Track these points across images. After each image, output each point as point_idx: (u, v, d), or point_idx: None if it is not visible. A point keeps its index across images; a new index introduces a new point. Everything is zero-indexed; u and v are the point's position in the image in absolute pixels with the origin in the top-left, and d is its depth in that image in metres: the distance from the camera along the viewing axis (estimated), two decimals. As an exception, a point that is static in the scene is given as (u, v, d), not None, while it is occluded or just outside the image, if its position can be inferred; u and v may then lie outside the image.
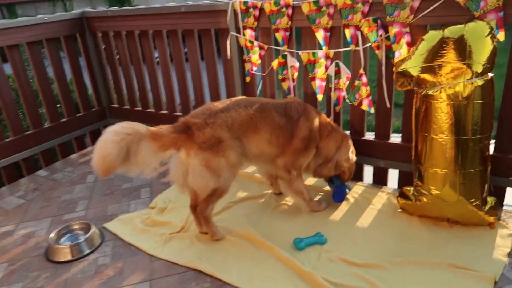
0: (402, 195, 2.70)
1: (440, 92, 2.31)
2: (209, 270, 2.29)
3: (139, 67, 4.15)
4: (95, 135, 4.47)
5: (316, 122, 2.71)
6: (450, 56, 2.27)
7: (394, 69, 2.62)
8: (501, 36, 2.33)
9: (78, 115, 4.33)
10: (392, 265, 2.23)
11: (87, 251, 2.56)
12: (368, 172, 3.30)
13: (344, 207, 2.84)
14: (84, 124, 4.37)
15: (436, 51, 2.31)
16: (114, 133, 2.16)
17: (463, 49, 2.24)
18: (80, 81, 4.34)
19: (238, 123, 2.45)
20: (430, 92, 2.36)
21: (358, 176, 3.26)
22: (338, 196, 2.85)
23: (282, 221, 2.74)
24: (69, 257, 2.51)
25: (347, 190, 2.92)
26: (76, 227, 2.79)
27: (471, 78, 2.25)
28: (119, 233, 2.74)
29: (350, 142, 2.87)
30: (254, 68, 3.39)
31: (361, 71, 2.88)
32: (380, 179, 3.17)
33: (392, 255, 2.31)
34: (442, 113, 2.33)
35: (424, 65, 2.36)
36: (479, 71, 2.24)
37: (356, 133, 3.16)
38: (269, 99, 2.79)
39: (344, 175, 2.83)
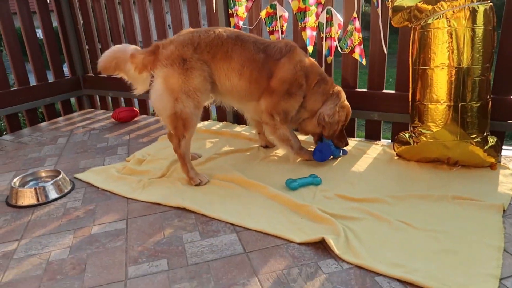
0: (398, 141, 2.55)
1: (440, 18, 2.20)
2: (193, 208, 2.05)
3: (118, 32, 3.91)
4: (68, 106, 4.22)
5: (302, 67, 2.43)
6: (450, -19, 2.16)
7: (389, 4, 2.50)
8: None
9: (50, 81, 4.03)
10: (393, 199, 2.05)
11: (55, 196, 2.27)
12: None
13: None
14: (56, 92, 4.07)
15: (435, -22, 2.20)
16: (109, 52, 2.41)
17: (463, -27, 2.15)
18: (52, 45, 4.06)
19: (205, 44, 2.30)
20: (429, 21, 2.24)
21: (349, 132, 3.11)
22: (319, 154, 2.51)
23: (271, 167, 2.54)
24: (33, 201, 2.22)
25: (335, 151, 2.59)
26: (43, 174, 2.50)
27: (473, 2, 2.14)
28: (92, 181, 2.46)
29: (342, 97, 2.56)
30: (241, 22, 3.22)
31: (354, 14, 2.75)
32: (373, 134, 3.02)
33: (392, 192, 2.13)
34: (443, 42, 2.21)
35: (422, -7, 2.24)
36: (481, -5, 2.14)
37: (348, 86, 3.01)
38: (257, 36, 2.58)
39: (323, 131, 2.55)
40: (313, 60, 2.56)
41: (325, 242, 1.71)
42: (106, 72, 2.43)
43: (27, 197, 2.22)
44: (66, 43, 4.17)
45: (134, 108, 3.91)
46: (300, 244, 1.74)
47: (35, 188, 2.24)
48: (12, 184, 2.31)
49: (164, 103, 2.27)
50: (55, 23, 4.07)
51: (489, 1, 2.19)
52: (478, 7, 2.15)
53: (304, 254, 1.67)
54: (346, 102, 2.57)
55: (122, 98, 4.19)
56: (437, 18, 2.21)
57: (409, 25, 2.40)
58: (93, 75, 4.29)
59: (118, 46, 2.47)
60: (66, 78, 4.20)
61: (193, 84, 2.25)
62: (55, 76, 4.10)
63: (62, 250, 1.79)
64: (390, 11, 2.48)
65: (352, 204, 2.03)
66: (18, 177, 2.40)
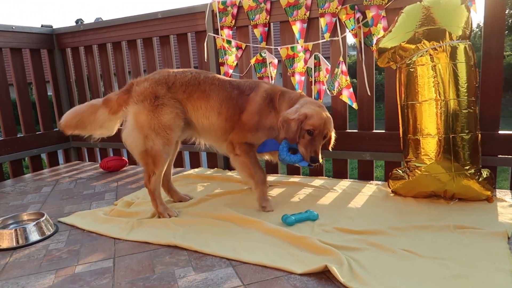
0: (393, 177, 2.53)
1: (424, 55, 2.30)
2: (185, 245, 1.94)
3: (109, 81, 3.98)
4: (54, 158, 4.14)
5: (267, 93, 2.38)
6: (430, 22, 2.30)
7: (374, 46, 2.63)
8: (474, 8, 2.43)
9: (37, 133, 3.98)
10: (394, 230, 1.98)
11: (37, 238, 2.13)
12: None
13: (331, 195, 2.61)
14: (43, 144, 4.01)
15: (416, 19, 2.35)
16: (71, 111, 2.50)
17: (442, 15, 2.30)
18: (44, 98, 4.08)
19: (180, 84, 2.35)
20: (414, 59, 2.35)
21: (342, 173, 3.09)
22: (261, 145, 2.35)
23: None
24: (12, 244, 2.07)
25: (292, 156, 2.23)
26: (25, 217, 2.36)
27: (453, 40, 2.27)
28: (77, 224, 2.33)
29: (308, 101, 2.34)
30: (230, 71, 3.32)
31: (341, 58, 2.88)
32: (366, 174, 3.01)
33: (392, 224, 2.06)
34: (428, 77, 2.30)
35: (405, 34, 2.37)
36: (460, 33, 2.27)
37: (338, 127, 3.05)
38: (231, 78, 2.62)
39: (278, 131, 2.31)
40: (278, 86, 2.54)
41: (328, 272, 1.60)
42: (68, 131, 2.49)
43: (6, 239, 2.07)
44: (56, 95, 4.19)
45: (123, 158, 3.85)
46: (301, 275, 1.62)
47: (15, 230, 2.10)
48: (-9, 226, 2.17)
49: (135, 140, 2.28)
50: (47, 76, 4.13)
51: (468, 41, 2.32)
52: (458, 45, 2.28)
53: (307, 285, 1.55)
54: (314, 107, 2.25)
55: (111, 149, 4.14)
56: (421, 56, 2.32)
57: (396, 65, 2.51)
58: (82, 127, 4.26)
59: (80, 105, 2.55)
60: (54, 130, 4.16)
61: (163, 121, 2.26)
62: (43, 127, 4.06)
63: (41, 290, 1.63)
64: (375, 53, 2.60)
65: (353, 236, 1.95)
66: (-2, 220, 2.26)
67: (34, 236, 2.13)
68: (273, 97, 2.40)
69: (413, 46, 2.35)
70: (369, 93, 2.87)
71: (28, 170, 4.00)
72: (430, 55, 2.29)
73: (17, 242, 2.08)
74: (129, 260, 1.85)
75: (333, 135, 2.37)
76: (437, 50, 2.28)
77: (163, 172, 2.36)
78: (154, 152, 2.25)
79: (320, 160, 2.22)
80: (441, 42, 2.28)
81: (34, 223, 2.17)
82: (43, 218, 2.24)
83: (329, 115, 2.28)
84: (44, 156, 4.12)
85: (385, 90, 2.85)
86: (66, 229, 2.29)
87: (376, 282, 1.52)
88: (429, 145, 2.31)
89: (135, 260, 1.84)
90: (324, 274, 1.61)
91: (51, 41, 4.08)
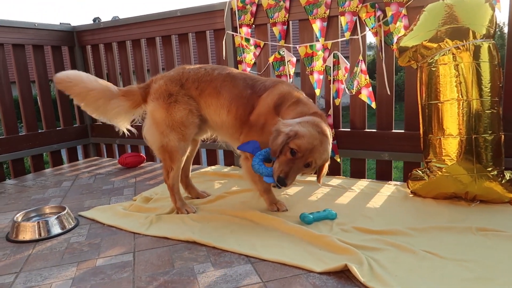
0: (412, 178, 2.50)
1: (447, 54, 2.27)
2: (204, 241, 1.95)
3: (128, 79, 4.03)
4: (73, 153, 4.21)
5: (280, 96, 2.21)
6: (453, 20, 2.26)
7: (395, 45, 2.61)
8: (498, 6, 2.38)
9: (58, 128, 4.06)
10: (414, 231, 1.96)
11: (58, 231, 2.17)
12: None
13: (349, 194, 2.60)
14: (63, 139, 4.08)
15: (438, 18, 2.31)
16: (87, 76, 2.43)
17: (465, 13, 2.26)
18: (64, 94, 4.13)
19: (193, 80, 2.34)
20: (436, 58, 2.31)
21: (360, 173, 3.07)
22: (245, 143, 2.18)
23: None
24: (35, 236, 2.11)
25: (264, 168, 2.04)
26: (47, 210, 2.41)
27: (476, 39, 2.23)
28: (97, 218, 2.37)
29: (309, 119, 2.06)
30: (248, 69, 3.33)
31: (360, 57, 2.85)
32: (384, 174, 2.98)
33: (412, 225, 2.04)
34: (451, 76, 2.26)
35: (427, 32, 2.34)
36: (483, 32, 2.23)
37: (357, 127, 3.03)
38: (250, 73, 2.54)
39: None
40: (299, 92, 2.29)
41: (348, 272, 1.60)
42: (60, 87, 2.42)
43: (29, 231, 2.12)
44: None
45: (141, 154, 3.89)
46: (320, 273, 1.62)
47: (37, 222, 2.15)
48: (15, 218, 2.21)
49: (152, 136, 2.33)
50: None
51: (492, 40, 2.27)
52: (482, 44, 2.23)
53: (326, 283, 1.55)
54: (312, 130, 1.97)
55: (128, 145, 4.20)
56: (443, 54, 2.28)
57: (416, 64, 2.47)
58: (101, 123, 4.33)
59: (90, 77, 2.44)
60: (74, 126, 4.23)
61: (176, 117, 2.27)
62: (63, 123, 4.13)
63: (64, 282, 1.66)
64: (396, 52, 2.57)
65: (372, 236, 1.93)
66: (21, 213, 2.31)
67: (56, 229, 2.18)
68: (284, 102, 2.20)
69: (435, 45, 2.31)
70: (389, 93, 2.84)
71: (48, 165, 4.08)
72: (453, 54, 2.26)
73: (40, 234, 2.12)
74: (148, 254, 1.87)
75: (326, 166, 2.12)
76: (460, 49, 2.24)
77: (181, 167, 2.38)
78: (170, 148, 2.28)
79: (288, 185, 1.97)
80: (464, 41, 2.24)
81: (56, 216, 2.22)
82: (65, 211, 2.28)
83: (326, 146, 2.01)
84: (63, 151, 4.19)
85: (405, 90, 2.82)
86: (87, 223, 2.32)
87: (396, 283, 1.50)
88: (451, 146, 2.27)
89: (154, 254, 1.87)
90: (344, 273, 1.60)
91: (72, 38, 4.15)
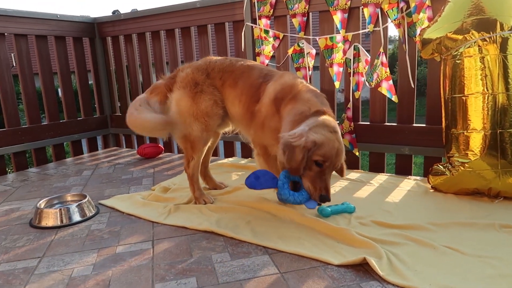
0: (433, 173, 2.45)
1: (472, 46, 2.20)
2: (222, 231, 1.96)
3: (148, 70, 4.06)
4: (93, 143, 4.28)
5: (283, 87, 2.06)
6: (480, 11, 2.20)
7: (418, 37, 2.55)
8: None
9: (78, 119, 4.13)
10: (435, 226, 1.92)
11: (79, 219, 2.21)
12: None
13: (368, 188, 2.57)
14: (84, 129, 4.16)
15: (464, 9, 2.25)
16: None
17: (492, 4, 2.19)
18: (85, 85, 4.22)
19: (218, 70, 2.31)
20: (461, 50, 2.25)
21: (379, 168, 3.03)
22: (253, 178, 1.98)
23: (302, 198, 2.44)
24: (57, 222, 2.16)
25: (298, 195, 1.90)
26: (69, 198, 2.46)
27: (504, 31, 2.16)
28: (117, 206, 2.41)
29: (322, 121, 1.88)
30: (266, 61, 3.31)
31: (381, 49, 2.80)
32: (403, 169, 2.93)
33: (433, 220, 2.00)
34: (476, 69, 2.20)
35: (452, 24, 2.28)
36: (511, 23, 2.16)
37: (377, 120, 2.99)
38: (270, 68, 2.47)
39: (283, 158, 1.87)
40: (303, 84, 2.09)
41: (366, 265, 1.58)
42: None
43: (51, 218, 2.17)
44: (97, 83, 4.33)
45: (159, 145, 3.93)
46: (338, 266, 1.61)
47: (59, 209, 2.20)
48: (38, 205, 2.27)
49: (178, 123, 2.31)
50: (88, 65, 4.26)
51: (521, 31, 2.20)
52: (510, 36, 2.16)
53: (345, 276, 1.54)
54: (325, 132, 1.83)
55: (147, 137, 4.24)
56: (469, 47, 2.22)
57: (440, 56, 2.41)
58: (120, 114, 4.40)
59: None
60: (94, 116, 4.29)
61: (201, 107, 2.26)
62: (84, 114, 4.20)
63: (85, 267, 1.70)
64: (419, 44, 2.52)
65: (391, 230, 1.90)
66: (44, 199, 2.37)
67: (77, 216, 2.22)
68: (284, 97, 2.02)
69: (460, 37, 2.25)
70: (412, 85, 2.78)
71: (69, 155, 4.17)
72: (479, 46, 2.19)
73: (61, 221, 2.17)
74: (167, 243, 1.90)
75: (344, 163, 2.00)
76: (486, 41, 2.17)
77: (202, 158, 2.39)
78: (193, 137, 2.29)
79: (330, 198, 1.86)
80: (491, 32, 2.17)
81: (77, 204, 2.26)
82: (85, 199, 2.33)
83: (341, 142, 1.91)
84: (84, 141, 4.27)
85: (428, 83, 2.76)
86: (107, 211, 2.37)
87: (416, 278, 1.48)
88: (474, 141, 2.22)
89: (173, 243, 1.89)
90: (362, 267, 1.59)
91: (93, 29, 4.21)
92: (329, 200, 1.87)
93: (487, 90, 2.17)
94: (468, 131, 2.24)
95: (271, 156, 2.14)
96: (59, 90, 4.02)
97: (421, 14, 2.63)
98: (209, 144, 2.41)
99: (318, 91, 2.15)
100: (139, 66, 4.15)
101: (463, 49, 2.25)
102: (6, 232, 2.12)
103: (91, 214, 2.28)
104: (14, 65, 3.63)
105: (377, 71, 2.82)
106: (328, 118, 1.92)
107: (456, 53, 2.28)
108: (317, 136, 1.80)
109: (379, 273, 1.50)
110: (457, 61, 2.28)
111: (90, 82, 4.29)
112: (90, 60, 4.27)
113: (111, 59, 4.30)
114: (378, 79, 2.83)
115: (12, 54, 3.75)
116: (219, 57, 2.45)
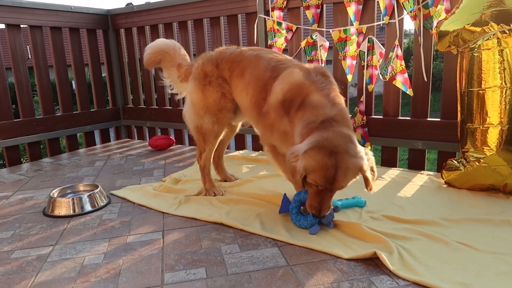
0: (447, 168, 2.41)
1: (491, 39, 2.15)
2: (231, 223, 1.96)
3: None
4: (106, 135, 4.32)
5: (291, 86, 1.88)
6: (499, 3, 2.13)
7: (434, 30, 2.50)
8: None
9: (91, 110, 4.17)
10: (448, 222, 1.89)
11: (91, 208, 2.24)
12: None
13: (379, 183, 2.54)
14: (96, 121, 4.20)
15: (483, 0, 2.18)
16: (156, 47, 2.51)
17: (513, -5, 2.12)
18: (98, 77, 4.25)
19: (226, 61, 2.23)
20: (479, 43, 2.19)
21: (392, 161, 2.99)
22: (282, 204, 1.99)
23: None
24: (69, 211, 2.19)
25: (301, 216, 1.89)
26: (81, 188, 2.49)
27: (524, 22, 2.09)
28: (128, 197, 2.43)
29: (317, 137, 1.68)
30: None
31: (396, 42, 2.75)
32: (416, 163, 2.88)
33: (446, 215, 1.97)
34: (494, 62, 2.14)
35: (470, 16, 2.22)
36: (533, 15, 2.09)
37: (390, 114, 2.95)
38: (281, 55, 2.22)
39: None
40: (311, 83, 1.87)
41: (377, 259, 1.56)
42: (149, 66, 2.54)
43: (64, 207, 2.20)
44: (110, 76, 4.36)
45: (171, 137, 3.95)
46: (348, 260, 1.59)
47: (72, 199, 2.22)
48: (51, 194, 2.30)
49: (190, 116, 2.35)
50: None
51: (542, 22, 2.13)
52: (530, 28, 2.10)
53: (354, 269, 1.52)
54: (320, 155, 1.63)
55: (158, 129, 4.27)
56: (487, 39, 2.16)
57: (457, 49, 2.36)
58: (132, 106, 4.42)
59: (166, 42, 2.53)
60: (107, 108, 4.33)
61: (209, 100, 2.25)
62: (97, 105, 4.24)
63: (96, 256, 1.72)
64: (435, 37, 2.46)
65: (402, 225, 1.88)
66: (57, 189, 2.40)
67: (89, 206, 2.25)
68: (294, 102, 1.84)
69: (478, 29, 2.19)
70: (425, 79, 2.73)
71: (82, 146, 4.21)
72: (498, 38, 2.13)
73: (74, 210, 2.20)
74: (177, 233, 1.90)
75: (368, 175, 1.71)
76: (506, 33, 2.11)
77: (214, 150, 2.39)
78: (204, 130, 2.29)
79: (325, 214, 1.75)
80: (511, 25, 2.11)
81: (89, 194, 2.28)
82: (97, 189, 2.35)
83: (342, 165, 1.63)
84: (96, 133, 4.31)
85: (443, 76, 2.70)
86: (118, 201, 2.39)
87: (428, 273, 1.46)
88: (490, 136, 2.17)
89: (183, 234, 1.89)
90: (372, 261, 1.57)
91: (106, 21, 4.23)
92: (322, 217, 1.77)
93: (505, 84, 2.12)
94: (485, 125, 2.19)
95: (280, 154, 2.05)
96: (73, 82, 4.06)
97: (439, 6, 2.56)
98: (221, 137, 2.38)
99: (323, 71, 1.95)
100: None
101: (481, 41, 2.19)
102: (20, 220, 2.15)
103: (102, 204, 2.30)
104: (30, 57, 3.67)
105: (391, 64, 2.77)
106: (330, 136, 1.66)
107: (474, 45, 2.23)
108: (309, 162, 1.64)
109: (390, 267, 1.49)
110: (474, 54, 2.22)
111: (103, 75, 4.32)
112: (104, 52, 4.29)
113: (124, 51, 4.32)
114: (392, 72, 2.78)
115: (28, 47, 3.79)
116: (233, 47, 2.37)
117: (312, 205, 1.73)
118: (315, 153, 1.63)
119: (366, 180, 1.71)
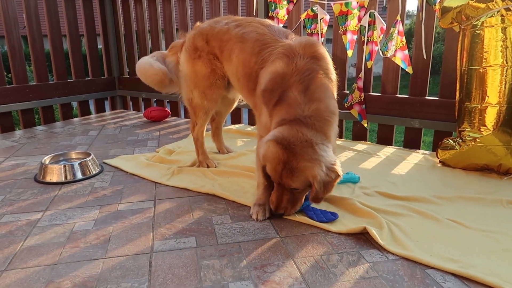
0: (442, 147, 2.40)
1: (495, 16, 2.09)
2: (224, 194, 1.95)
3: (157, 35, 3.97)
4: (101, 104, 4.26)
5: (274, 76, 1.73)
6: (506, -22, 2.07)
7: (438, 5, 2.43)
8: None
9: (86, 79, 4.10)
10: (440, 199, 1.89)
11: (83, 176, 2.22)
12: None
13: (374, 160, 2.53)
14: (91, 90, 4.13)
15: (490, -25, 2.12)
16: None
17: (521, -30, 2.06)
18: (93, 45, 4.15)
19: (215, 36, 2.09)
20: (482, 20, 2.14)
21: (388, 140, 2.98)
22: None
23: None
24: (61, 178, 2.17)
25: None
26: (74, 156, 2.46)
27: (530, -1, 2.04)
28: (121, 166, 2.41)
29: (279, 132, 1.61)
30: (280, 25, 3.20)
31: (398, 17, 2.68)
32: (412, 142, 2.87)
33: (438, 193, 1.97)
34: (496, 40, 2.10)
35: (475, -9, 2.16)
36: (540, -8, 2.04)
37: (388, 91, 2.91)
38: (268, 29, 1.96)
39: None
40: (293, 76, 1.70)
41: (368, 234, 1.57)
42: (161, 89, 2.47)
43: (55, 174, 2.18)
44: (105, 44, 4.26)
45: (166, 109, 3.91)
46: (339, 233, 1.60)
47: (64, 166, 2.20)
48: (42, 161, 2.27)
49: (183, 88, 2.31)
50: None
51: (547, -1, 2.08)
52: (536, 5, 2.05)
53: (345, 243, 1.53)
54: (276, 147, 1.57)
55: (154, 100, 4.22)
56: (491, 16, 2.11)
57: (459, 26, 2.30)
58: (128, 76, 4.35)
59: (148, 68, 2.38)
60: (102, 77, 4.26)
61: (199, 75, 2.18)
62: (92, 74, 4.17)
63: (86, 222, 1.71)
64: (438, 13, 2.40)
65: (395, 201, 1.88)
66: (49, 156, 2.37)
67: (81, 173, 2.23)
68: (273, 95, 1.72)
69: (483, 5, 2.13)
70: (425, 57, 2.68)
71: (77, 116, 4.16)
72: (502, 16, 2.08)
73: (66, 177, 2.18)
74: (169, 203, 1.90)
75: (315, 184, 1.53)
76: (511, 10, 2.06)
77: (205, 124, 2.35)
78: (194, 104, 2.26)
79: (285, 215, 1.71)
80: (516, 1, 2.05)
81: (81, 161, 2.26)
82: (90, 157, 2.33)
83: (295, 163, 1.54)
84: (91, 103, 4.25)
85: (444, 55, 2.65)
86: (111, 170, 2.37)
87: (417, 248, 1.46)
88: (488, 115, 2.15)
89: (174, 204, 1.89)
90: (363, 235, 1.58)
91: (102, -13, 4.10)
92: (280, 216, 1.71)
93: (507, 63, 2.08)
94: (483, 105, 2.16)
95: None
96: (68, 51, 3.97)
97: (443, -20, 2.49)
98: (213, 111, 2.32)
99: (313, 51, 1.76)
100: (148, 32, 4.06)
101: (484, 18, 2.14)
102: (11, 186, 2.14)
103: (95, 172, 2.28)
104: (25, 26, 3.57)
105: (392, 40, 2.72)
106: (290, 134, 1.57)
107: (476, 22, 2.17)
108: (266, 152, 1.59)
109: (380, 242, 1.49)
110: (477, 31, 2.17)
111: (99, 47, 4.23)
112: (99, 22, 4.18)
113: (120, 22, 4.21)
114: (393, 49, 2.73)
115: (23, 15, 3.68)
116: (225, 19, 2.19)
117: (271, 199, 1.67)
118: (272, 144, 1.57)
119: (312, 188, 1.57)
